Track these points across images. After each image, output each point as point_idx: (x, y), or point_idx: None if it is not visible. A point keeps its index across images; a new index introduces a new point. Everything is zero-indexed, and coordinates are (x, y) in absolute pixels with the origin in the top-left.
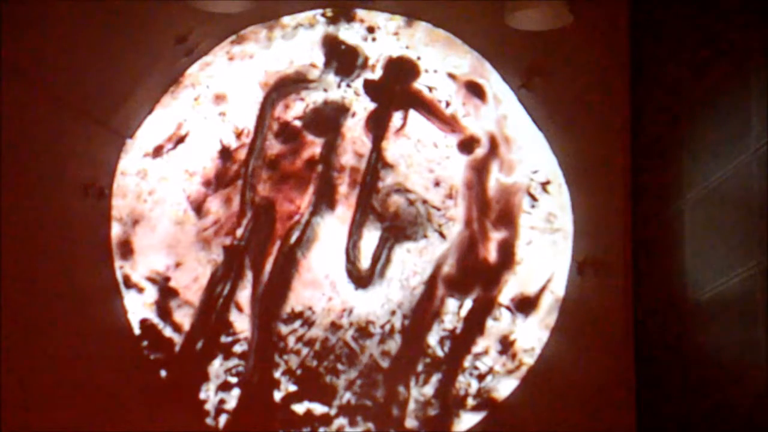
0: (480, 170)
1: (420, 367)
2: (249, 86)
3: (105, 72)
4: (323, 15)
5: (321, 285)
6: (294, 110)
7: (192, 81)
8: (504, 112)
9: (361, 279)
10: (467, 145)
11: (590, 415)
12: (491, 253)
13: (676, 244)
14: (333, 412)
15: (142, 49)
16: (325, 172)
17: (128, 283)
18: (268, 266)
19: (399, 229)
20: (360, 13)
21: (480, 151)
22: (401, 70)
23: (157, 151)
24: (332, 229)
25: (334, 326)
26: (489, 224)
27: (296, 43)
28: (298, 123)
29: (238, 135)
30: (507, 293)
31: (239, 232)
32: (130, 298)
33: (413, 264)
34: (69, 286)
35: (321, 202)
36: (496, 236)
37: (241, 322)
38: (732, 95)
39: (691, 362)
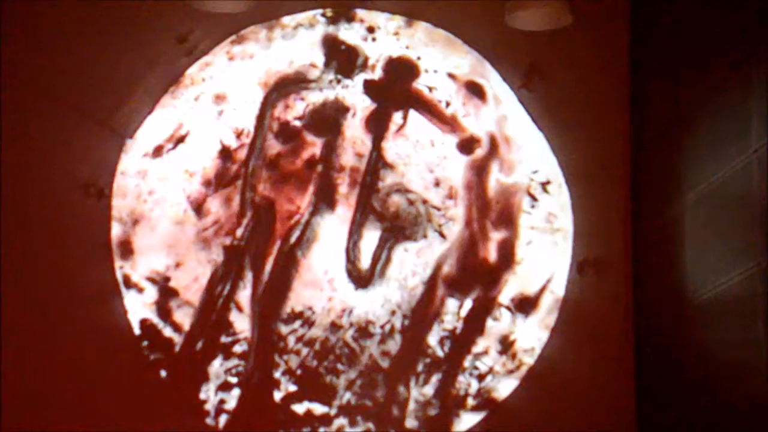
0: (480, 170)
1: (420, 367)
2: (249, 86)
3: (105, 72)
4: (323, 15)
5: (321, 285)
6: (294, 110)
7: (192, 81)
8: (504, 112)
9: (361, 279)
10: (467, 145)
11: (590, 415)
12: (491, 253)
13: (676, 244)
14: (333, 412)
15: (142, 49)
16: (325, 172)
17: (128, 283)
18: (268, 266)
19: (399, 229)
20: (360, 13)
21: (480, 152)
22: (401, 70)
23: (157, 151)
24: (332, 229)
25: (334, 326)
26: (489, 224)
27: (296, 43)
28: (298, 123)
29: (238, 135)
30: (507, 293)
31: (239, 232)
32: (130, 298)
33: (413, 264)
34: (69, 286)
35: (321, 202)
36: (496, 236)
37: (241, 322)
38: (732, 95)
39: (691, 362)
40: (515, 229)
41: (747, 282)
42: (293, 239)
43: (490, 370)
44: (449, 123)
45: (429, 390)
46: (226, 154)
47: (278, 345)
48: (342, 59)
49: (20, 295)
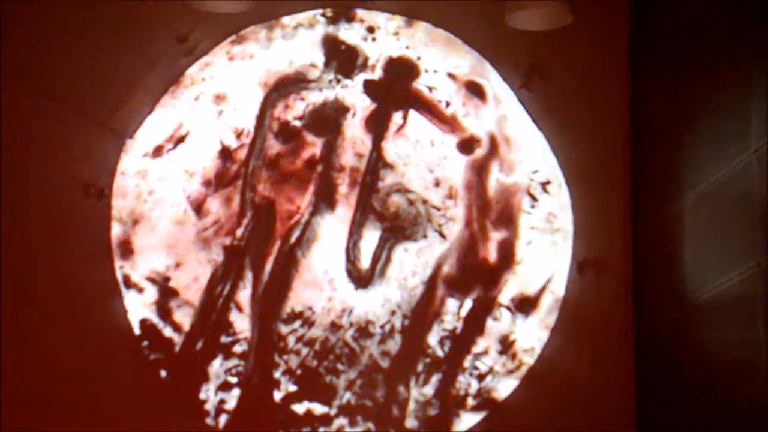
0: (480, 170)
1: (420, 367)
2: (249, 86)
3: (105, 72)
4: (323, 15)
5: (321, 285)
6: (294, 110)
7: (192, 81)
8: (504, 112)
9: (361, 279)
10: (467, 145)
11: (590, 415)
12: (491, 253)
13: (676, 244)
14: (333, 412)
15: (142, 49)
16: (325, 172)
17: (128, 283)
18: (268, 266)
19: (399, 229)
20: (360, 13)
21: (480, 151)
22: (401, 70)
23: (157, 151)
24: (332, 229)
25: (334, 326)
26: (489, 224)
27: (296, 43)
28: (298, 123)
29: (238, 135)
30: (507, 293)
31: (239, 232)
32: (130, 298)
33: (413, 264)
34: (69, 286)
35: (321, 202)
36: (496, 236)
37: (241, 322)
38: (732, 95)
39: (691, 362)
40: (515, 229)
41: (747, 282)
42: (293, 239)
43: (490, 370)
44: (449, 123)
45: (429, 390)
46: (226, 154)
47: (278, 345)
48: (342, 59)
49: (20, 295)
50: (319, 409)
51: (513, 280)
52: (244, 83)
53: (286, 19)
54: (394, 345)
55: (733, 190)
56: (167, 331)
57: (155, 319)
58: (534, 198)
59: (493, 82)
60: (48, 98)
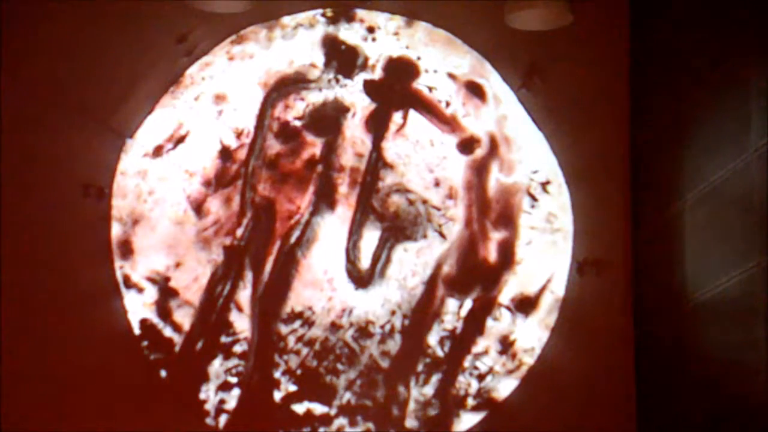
0: (480, 170)
1: (420, 367)
2: (249, 86)
3: (105, 72)
4: (323, 15)
5: (321, 285)
6: (294, 110)
7: (192, 81)
8: (504, 112)
9: (361, 279)
10: (467, 145)
11: (590, 415)
12: (491, 253)
13: (676, 244)
14: (333, 412)
15: (142, 49)
16: (325, 172)
17: (128, 283)
18: (268, 266)
19: (399, 229)
20: (360, 13)
21: (480, 151)
22: (401, 70)
23: (157, 151)
24: (332, 229)
25: (334, 326)
26: (489, 224)
27: (296, 43)
28: (298, 123)
29: (238, 135)
30: (507, 293)
31: (239, 232)
32: (130, 298)
33: (413, 264)
34: (69, 286)
35: (321, 202)
36: (496, 236)
37: (241, 322)
38: (732, 95)
39: (691, 362)
40: (515, 229)
41: (747, 282)
42: (293, 239)
43: (490, 370)
44: (449, 123)
45: (429, 390)
46: (226, 154)
47: (278, 345)
48: (342, 59)
49: (20, 295)
50: (319, 409)
51: (513, 280)
52: (244, 83)
53: (286, 19)
54: (394, 345)
55: (733, 190)
56: (167, 331)
57: (155, 319)
58: (534, 198)
59: (493, 82)
60: (48, 98)
